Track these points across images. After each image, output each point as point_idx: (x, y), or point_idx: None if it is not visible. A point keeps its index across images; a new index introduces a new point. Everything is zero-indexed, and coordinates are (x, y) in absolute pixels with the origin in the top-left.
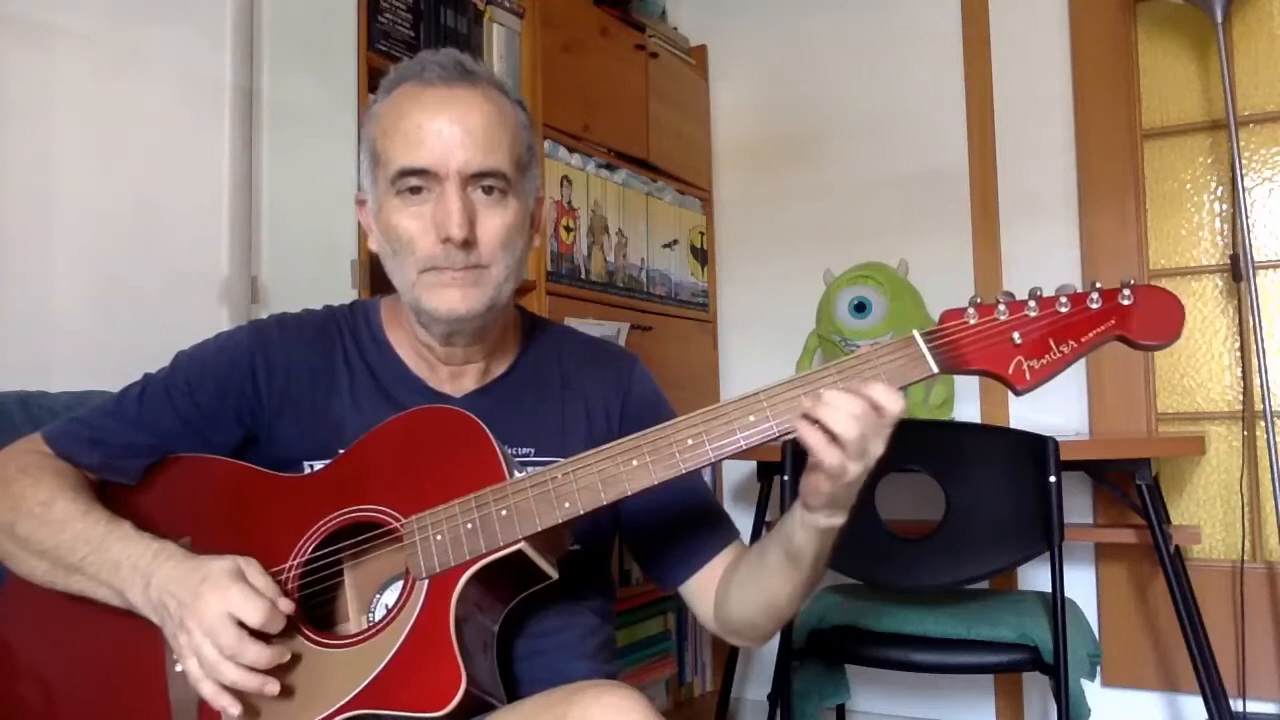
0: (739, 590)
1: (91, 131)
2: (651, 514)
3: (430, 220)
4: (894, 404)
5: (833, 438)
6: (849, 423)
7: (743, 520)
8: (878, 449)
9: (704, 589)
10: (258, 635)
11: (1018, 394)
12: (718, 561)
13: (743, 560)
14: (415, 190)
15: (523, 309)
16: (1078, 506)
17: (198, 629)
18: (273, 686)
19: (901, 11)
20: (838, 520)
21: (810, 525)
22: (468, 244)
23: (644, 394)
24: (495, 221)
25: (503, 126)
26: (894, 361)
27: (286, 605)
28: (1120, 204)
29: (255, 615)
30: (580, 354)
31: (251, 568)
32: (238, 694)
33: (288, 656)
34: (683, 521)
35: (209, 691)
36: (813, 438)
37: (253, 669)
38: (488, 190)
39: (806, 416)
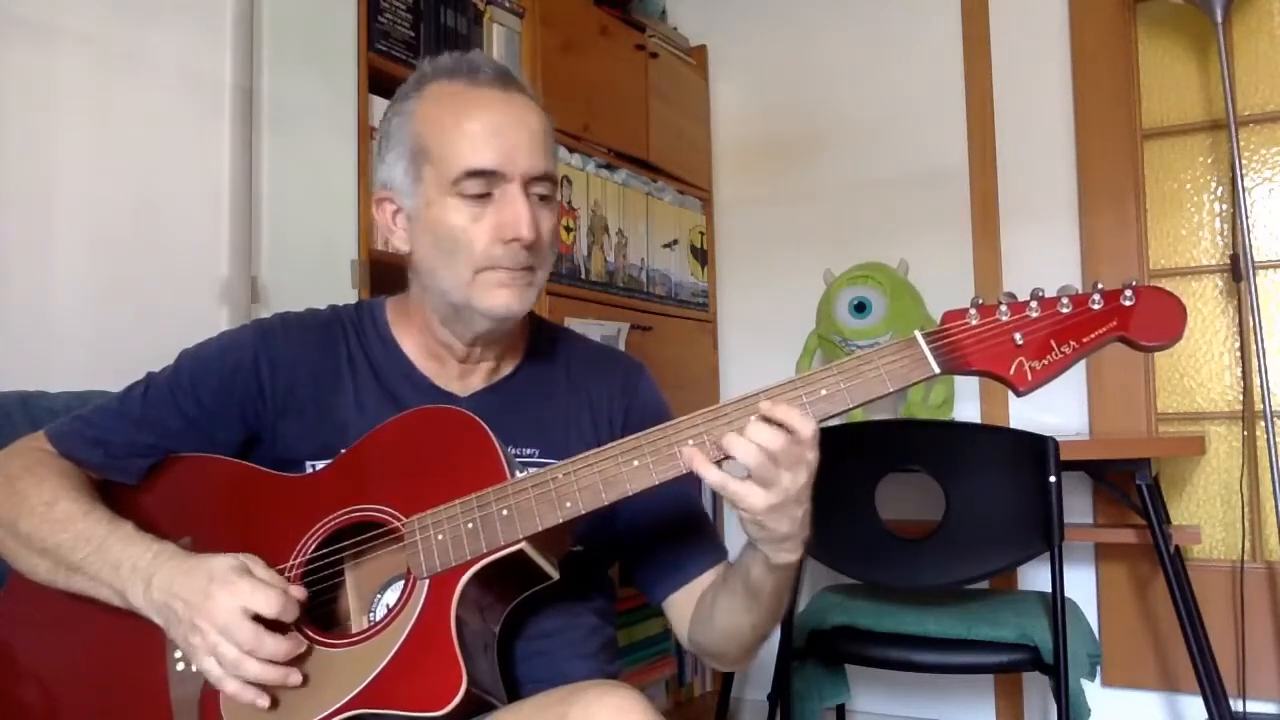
0: (705, 615)
1: (91, 131)
2: (644, 526)
3: (492, 220)
4: (806, 427)
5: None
6: (753, 452)
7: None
8: (792, 480)
9: (683, 607)
10: (271, 627)
11: (1019, 395)
12: (701, 581)
13: (713, 586)
14: (481, 192)
15: (530, 311)
16: (1078, 506)
17: (212, 629)
18: (295, 677)
19: (901, 12)
20: (787, 557)
21: (761, 561)
22: (531, 246)
23: (649, 404)
24: (549, 224)
25: (550, 133)
26: (895, 362)
27: (299, 591)
28: (1120, 204)
29: (269, 605)
30: (586, 358)
31: (255, 563)
32: (260, 687)
33: (305, 646)
34: (673, 537)
35: (233, 688)
36: (711, 476)
37: (273, 661)
38: (542, 195)
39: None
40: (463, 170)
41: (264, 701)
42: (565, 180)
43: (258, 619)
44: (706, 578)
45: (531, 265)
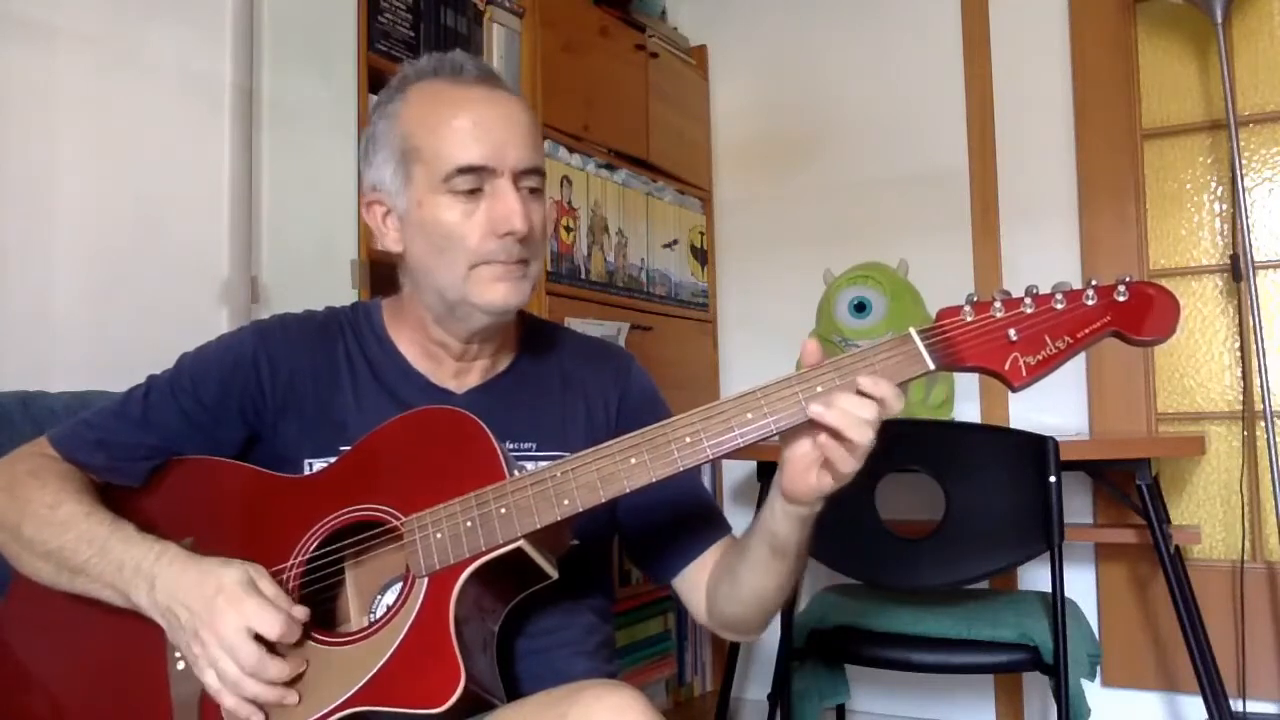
0: (727, 586)
1: (92, 131)
2: (645, 509)
3: (484, 215)
4: (898, 403)
5: (849, 445)
6: (864, 430)
7: (742, 520)
8: (873, 443)
9: (696, 583)
10: (273, 645)
11: (1014, 390)
12: (709, 556)
13: (726, 556)
14: (471, 188)
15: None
16: (1078, 506)
17: (215, 644)
18: (292, 698)
19: (901, 11)
20: (820, 507)
21: (794, 516)
22: (524, 239)
23: (642, 391)
24: (539, 216)
25: (537, 128)
26: (891, 359)
27: (301, 613)
28: (1120, 204)
29: (274, 629)
30: (578, 352)
31: (263, 577)
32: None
33: (304, 666)
34: (676, 516)
35: (231, 703)
36: (835, 453)
37: (273, 683)
38: (531, 188)
39: (822, 426)
40: (454, 167)
41: (259, 718)
42: (565, 180)
43: (260, 638)
44: (715, 551)
45: (525, 258)
